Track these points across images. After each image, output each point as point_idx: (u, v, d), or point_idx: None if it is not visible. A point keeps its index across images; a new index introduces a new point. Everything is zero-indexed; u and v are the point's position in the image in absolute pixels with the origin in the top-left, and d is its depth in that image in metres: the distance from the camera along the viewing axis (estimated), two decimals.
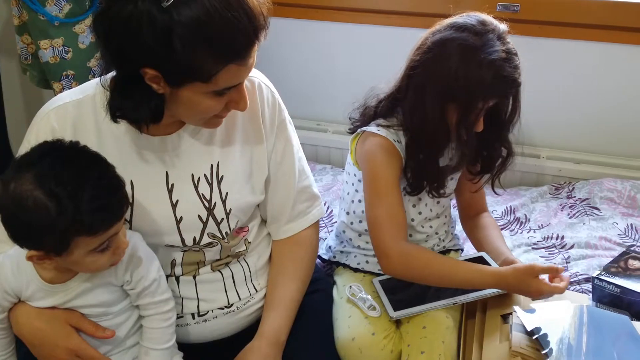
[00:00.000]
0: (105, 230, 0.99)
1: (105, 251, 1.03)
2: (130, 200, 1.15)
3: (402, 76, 1.35)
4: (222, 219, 1.21)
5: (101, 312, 1.12)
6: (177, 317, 1.23)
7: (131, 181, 1.16)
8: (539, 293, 1.27)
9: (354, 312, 1.35)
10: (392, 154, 1.36)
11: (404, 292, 1.36)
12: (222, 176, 1.20)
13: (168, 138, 1.16)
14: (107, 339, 1.12)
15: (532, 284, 1.26)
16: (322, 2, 2.13)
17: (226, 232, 1.23)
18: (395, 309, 1.31)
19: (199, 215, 1.19)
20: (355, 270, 1.49)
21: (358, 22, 2.12)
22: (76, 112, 1.14)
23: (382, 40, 2.12)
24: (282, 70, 2.28)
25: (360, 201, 1.46)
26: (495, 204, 1.90)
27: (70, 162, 0.99)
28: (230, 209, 1.21)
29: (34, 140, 1.13)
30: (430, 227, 1.49)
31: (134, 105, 1.03)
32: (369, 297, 1.36)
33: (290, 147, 1.30)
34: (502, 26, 1.27)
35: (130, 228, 1.17)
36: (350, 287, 1.40)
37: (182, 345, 1.25)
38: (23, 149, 1.14)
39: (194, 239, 1.20)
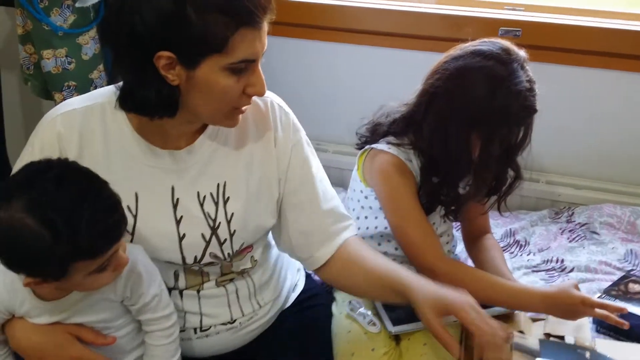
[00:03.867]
0: (105, 252, 0.96)
1: (105, 270, 0.99)
2: (134, 213, 1.13)
3: (420, 99, 1.35)
4: (226, 240, 1.18)
5: (102, 327, 1.09)
6: (180, 332, 1.19)
7: (136, 193, 1.13)
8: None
9: (354, 328, 1.33)
10: (405, 173, 1.36)
11: (405, 309, 1.30)
12: (229, 197, 1.17)
13: (177, 153, 1.14)
14: (108, 345, 1.09)
15: (586, 313, 1.25)
16: (326, 22, 2.14)
17: (228, 253, 1.19)
18: (394, 324, 1.29)
19: (202, 234, 1.16)
20: None
21: (361, 44, 2.13)
22: (84, 119, 1.12)
23: (385, 61, 2.13)
24: (285, 90, 2.27)
25: (366, 217, 1.45)
26: (495, 226, 1.89)
27: (63, 184, 0.93)
28: (235, 231, 1.18)
29: (38, 144, 1.12)
30: None
31: (149, 97, 1.01)
32: (369, 312, 1.35)
33: (308, 168, 1.24)
34: (523, 54, 1.29)
35: (132, 241, 1.13)
36: (350, 302, 1.38)
37: (185, 359, 1.22)
38: (26, 153, 1.13)
39: (195, 257, 1.17)
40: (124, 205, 1.05)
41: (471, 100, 1.26)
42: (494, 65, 1.25)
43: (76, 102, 1.15)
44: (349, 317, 1.36)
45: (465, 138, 1.29)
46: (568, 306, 1.24)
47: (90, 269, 0.96)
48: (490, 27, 1.92)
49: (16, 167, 1.07)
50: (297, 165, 1.22)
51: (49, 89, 1.96)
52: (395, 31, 2.08)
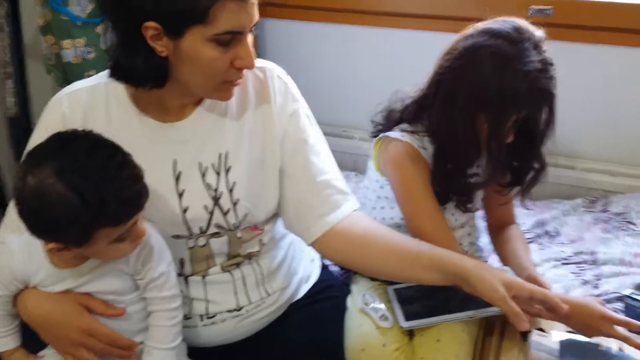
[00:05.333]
0: (128, 220, 0.99)
1: (124, 241, 1.02)
2: None
3: (430, 81, 1.30)
4: (229, 209, 1.18)
5: (111, 299, 1.10)
6: (185, 319, 1.20)
7: None
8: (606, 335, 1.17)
9: (366, 322, 1.28)
10: (418, 161, 1.31)
11: (421, 303, 1.28)
12: (230, 166, 1.17)
13: (177, 125, 1.16)
14: (118, 316, 1.10)
15: (605, 330, 1.15)
16: (346, 4, 2.09)
17: (234, 224, 1.19)
18: (407, 319, 1.24)
19: (205, 206, 1.16)
20: (372, 278, 1.42)
21: (385, 26, 2.08)
22: (88, 98, 1.16)
23: (410, 44, 2.07)
24: (307, 75, 2.24)
25: (382, 208, 1.41)
26: (525, 216, 1.82)
27: (91, 153, 0.97)
28: (238, 199, 1.17)
29: (44, 124, 1.16)
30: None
31: (137, 66, 1.04)
32: (382, 306, 1.30)
33: (304, 139, 1.22)
34: (539, 33, 1.21)
35: None
36: (364, 295, 1.34)
37: (191, 349, 1.22)
38: (36, 134, 1.16)
39: (200, 228, 1.18)
40: None
41: (477, 79, 1.20)
42: (501, 44, 1.18)
43: (83, 83, 1.19)
44: (362, 311, 1.31)
45: (471, 120, 1.23)
46: (586, 319, 1.15)
47: (112, 237, 1.00)
48: (519, 5, 1.84)
49: (28, 147, 1.10)
50: (293, 134, 1.21)
51: (70, 79, 1.97)
52: (422, 12, 2.02)
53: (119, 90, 1.15)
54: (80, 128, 1.10)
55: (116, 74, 1.09)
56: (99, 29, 1.90)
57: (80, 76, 1.92)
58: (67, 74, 1.98)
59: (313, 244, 1.22)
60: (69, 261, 1.07)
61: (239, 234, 1.21)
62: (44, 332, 1.11)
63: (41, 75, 2.13)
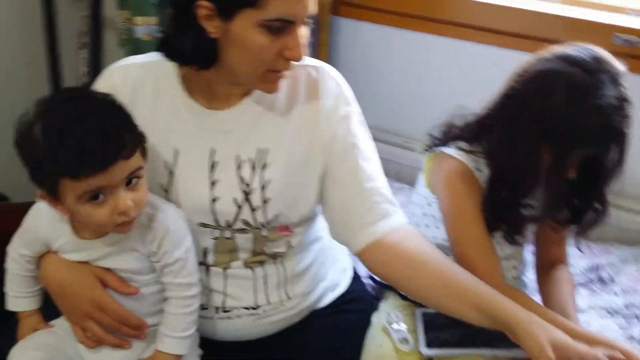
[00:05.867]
0: (87, 175, 0.94)
1: (102, 205, 0.98)
2: (172, 169, 1.15)
3: (497, 102, 1.25)
4: (258, 207, 1.15)
5: (126, 277, 1.10)
6: (202, 309, 1.18)
7: (176, 150, 1.15)
8: None
9: (386, 342, 1.23)
10: (472, 183, 1.25)
11: (448, 331, 1.22)
12: (268, 163, 1.14)
13: (221, 113, 1.15)
14: (131, 294, 1.09)
15: None
16: (423, 11, 2.02)
17: (261, 223, 1.16)
18: (428, 346, 1.18)
19: (234, 198, 1.14)
20: (403, 297, 1.36)
21: (460, 37, 2.00)
22: (139, 73, 1.17)
23: (483, 59, 1.98)
24: (375, 78, 2.19)
25: (427, 226, 1.35)
26: (579, 257, 1.69)
27: (80, 101, 0.99)
28: (270, 199, 1.14)
29: None
30: None
31: (186, 45, 1.05)
32: (405, 328, 1.24)
33: (354, 143, 1.18)
34: (619, 66, 1.14)
35: (167, 198, 1.15)
36: (389, 314, 1.29)
37: (206, 340, 1.21)
38: None
39: (227, 222, 1.16)
40: (162, 160, 1.14)
41: (545, 107, 1.14)
42: (577, 73, 1.11)
43: (135, 58, 1.22)
44: (384, 329, 1.26)
45: (534, 150, 1.16)
46: None
47: (77, 193, 0.96)
48: (605, 32, 1.73)
49: None
50: (343, 138, 1.17)
51: (139, 54, 2.01)
52: (505, 29, 1.93)
53: (171, 70, 1.15)
54: (126, 101, 1.11)
55: (164, 50, 1.10)
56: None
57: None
58: (137, 50, 2.02)
59: (358, 254, 1.18)
60: (87, 232, 1.07)
61: (264, 232, 1.18)
62: (58, 299, 1.12)
63: (115, 48, 2.19)
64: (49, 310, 1.16)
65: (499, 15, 1.93)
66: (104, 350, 1.12)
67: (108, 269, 1.09)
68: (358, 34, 2.14)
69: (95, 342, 1.11)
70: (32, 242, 1.11)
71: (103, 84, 1.16)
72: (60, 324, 1.15)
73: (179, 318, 1.11)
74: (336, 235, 1.22)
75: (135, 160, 0.99)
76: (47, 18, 2.08)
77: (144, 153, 1.03)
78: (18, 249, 1.13)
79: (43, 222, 1.09)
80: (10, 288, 1.16)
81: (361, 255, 1.17)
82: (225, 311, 1.21)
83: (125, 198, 0.99)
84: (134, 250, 1.08)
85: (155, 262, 1.09)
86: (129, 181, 0.99)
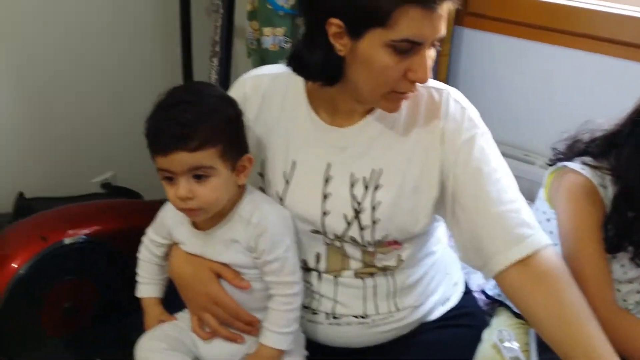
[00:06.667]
0: (155, 155, 1.05)
1: (171, 186, 1.07)
2: (289, 179, 1.19)
3: (628, 118, 1.20)
4: (367, 226, 1.15)
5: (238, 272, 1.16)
6: (312, 314, 1.22)
7: (294, 161, 1.19)
8: None
9: None
10: (594, 200, 1.21)
11: None
12: (381, 184, 1.15)
13: (341, 130, 1.17)
14: (243, 288, 1.15)
15: None
16: (553, 23, 1.94)
17: (368, 241, 1.16)
18: None
19: (345, 215, 1.16)
20: (517, 315, 1.34)
21: (590, 50, 1.90)
22: (270, 85, 1.22)
23: (614, 73, 1.88)
24: (498, 90, 2.15)
25: None
26: None
27: (186, 92, 1.10)
28: (379, 220, 1.14)
29: None
30: (619, 290, 1.28)
31: (315, 60, 1.07)
32: (517, 347, 1.22)
33: (479, 167, 1.12)
34: None
35: (283, 205, 1.19)
36: (501, 331, 1.27)
37: (315, 344, 1.24)
38: None
39: (335, 235, 1.18)
40: (281, 170, 1.19)
41: None
42: None
43: (267, 69, 1.28)
44: (495, 346, 1.24)
45: None
46: None
47: (157, 166, 1.06)
48: None
49: None
50: (465, 162, 1.12)
51: (265, 64, 2.08)
52: (633, 40, 1.82)
53: (299, 84, 1.19)
54: (255, 111, 1.19)
55: (293, 64, 1.13)
56: (299, 21, 1.98)
57: (275, 63, 2.03)
58: (264, 60, 2.10)
59: (497, 280, 1.13)
60: (203, 222, 1.14)
61: (370, 249, 1.18)
62: (181, 290, 1.20)
63: (243, 57, 2.29)
64: (174, 301, 1.24)
65: (630, 27, 1.82)
66: (215, 341, 1.19)
67: (226, 264, 1.15)
68: (480, 44, 2.10)
69: (208, 334, 1.19)
70: (159, 228, 1.21)
71: (235, 93, 1.22)
72: (182, 317, 1.23)
73: (281, 314, 1.15)
74: (469, 262, 1.18)
75: (204, 157, 1.04)
76: (184, 27, 2.21)
77: (227, 158, 1.07)
78: (150, 234, 1.24)
79: (169, 210, 1.18)
80: (140, 275, 1.25)
81: (497, 281, 1.13)
82: (335, 317, 1.22)
83: (182, 187, 1.05)
84: (235, 242, 1.13)
85: (255, 258, 1.14)
86: (199, 175, 1.05)
